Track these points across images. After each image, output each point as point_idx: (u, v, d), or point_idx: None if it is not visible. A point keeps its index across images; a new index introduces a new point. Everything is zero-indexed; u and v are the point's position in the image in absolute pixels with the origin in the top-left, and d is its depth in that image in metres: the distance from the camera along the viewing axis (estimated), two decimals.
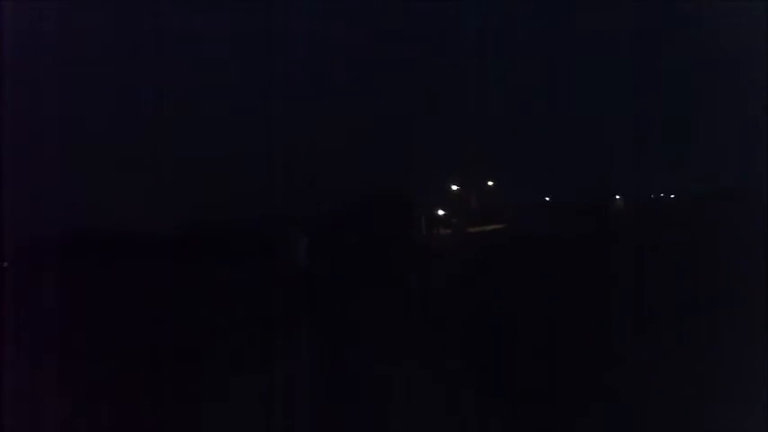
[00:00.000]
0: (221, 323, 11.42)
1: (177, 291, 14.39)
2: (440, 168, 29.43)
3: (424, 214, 29.77)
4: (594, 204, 33.96)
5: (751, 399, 4.92)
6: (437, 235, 29.53)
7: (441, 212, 31.83)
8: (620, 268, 13.61)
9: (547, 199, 34.60)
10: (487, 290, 13.28)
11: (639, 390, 5.76)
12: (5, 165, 14.23)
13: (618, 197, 40.56)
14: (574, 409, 5.52)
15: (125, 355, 8.85)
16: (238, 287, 14.83)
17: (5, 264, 16.74)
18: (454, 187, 29.40)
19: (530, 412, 5.68)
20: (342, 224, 25.42)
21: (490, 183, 31.00)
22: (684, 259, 14.48)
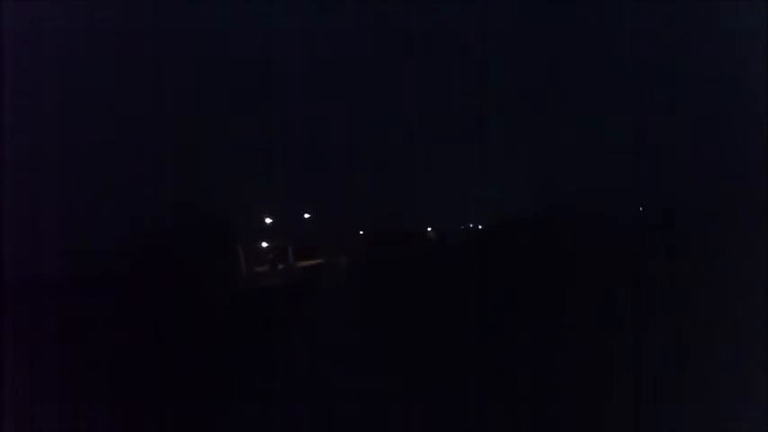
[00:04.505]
0: None
1: None
2: (257, 200, 29.27)
3: (241, 246, 29.02)
4: (405, 234, 37.06)
5: None
6: (253, 270, 28.99)
7: (263, 245, 31.45)
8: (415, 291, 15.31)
9: (361, 233, 36.64)
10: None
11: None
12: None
13: (429, 229, 44.76)
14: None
15: None
16: None
17: None
18: (269, 220, 29.40)
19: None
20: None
21: (307, 215, 31.74)
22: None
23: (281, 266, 30.87)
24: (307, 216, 31.84)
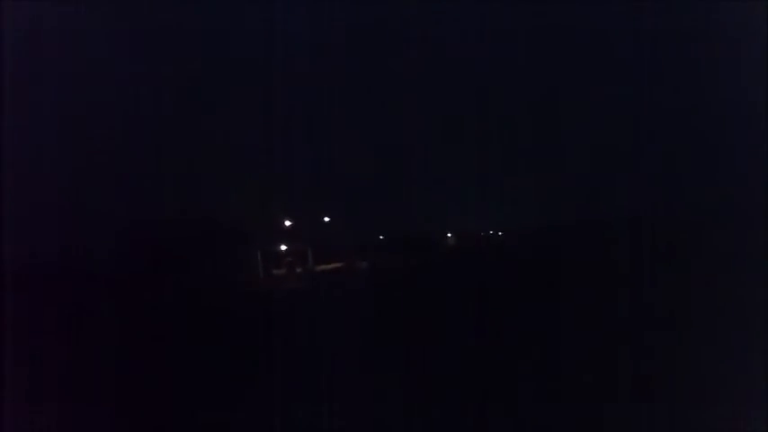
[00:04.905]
0: None
1: None
2: (275, 202, 29.54)
3: (260, 249, 29.33)
4: (424, 240, 36.89)
5: None
6: (273, 273, 29.06)
7: (282, 248, 31.75)
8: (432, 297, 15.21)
9: (381, 237, 36.62)
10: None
11: None
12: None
13: (450, 234, 44.59)
14: None
15: None
16: None
17: None
18: (288, 222, 29.60)
19: None
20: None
21: (327, 218, 31.88)
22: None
23: (299, 270, 31.03)
24: (327, 220, 32.00)
